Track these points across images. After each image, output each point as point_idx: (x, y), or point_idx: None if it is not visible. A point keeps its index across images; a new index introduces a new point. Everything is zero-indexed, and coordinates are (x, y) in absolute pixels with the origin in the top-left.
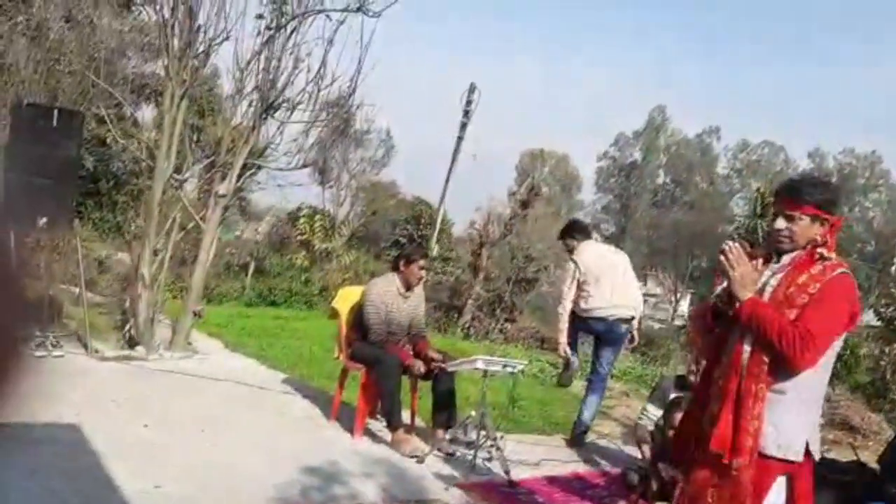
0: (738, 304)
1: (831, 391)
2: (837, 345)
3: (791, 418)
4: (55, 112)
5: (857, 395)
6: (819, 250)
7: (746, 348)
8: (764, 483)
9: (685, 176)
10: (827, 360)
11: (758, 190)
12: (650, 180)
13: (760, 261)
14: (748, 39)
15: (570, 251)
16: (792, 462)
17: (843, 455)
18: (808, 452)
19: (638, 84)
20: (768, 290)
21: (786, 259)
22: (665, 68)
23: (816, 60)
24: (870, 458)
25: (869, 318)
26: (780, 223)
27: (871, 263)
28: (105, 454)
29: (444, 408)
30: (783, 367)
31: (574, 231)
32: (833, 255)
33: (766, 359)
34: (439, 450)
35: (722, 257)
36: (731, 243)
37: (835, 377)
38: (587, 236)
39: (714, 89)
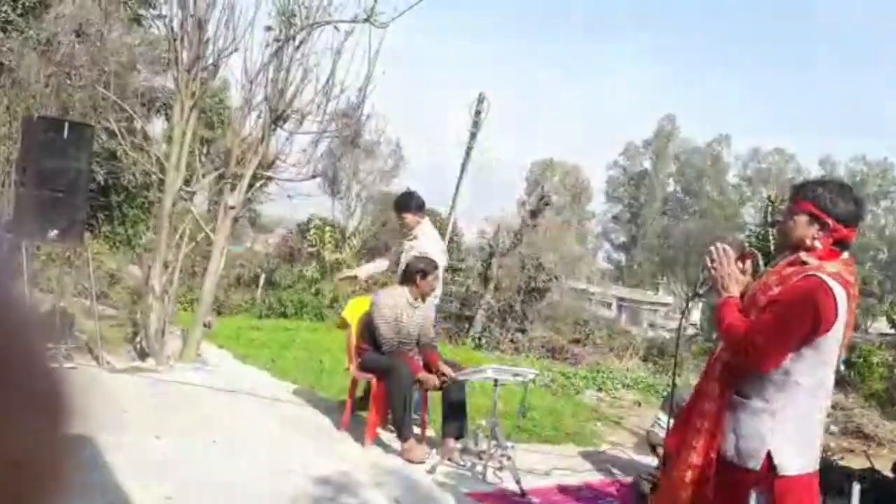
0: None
1: (843, 399)
2: (825, 355)
3: (752, 426)
4: (66, 125)
5: (870, 403)
6: (802, 254)
7: (717, 350)
8: (734, 492)
9: (695, 185)
10: (806, 369)
11: (768, 198)
12: (660, 189)
13: (749, 262)
14: (758, 45)
15: (409, 228)
16: (753, 471)
17: (857, 463)
18: (773, 465)
19: (647, 92)
20: (749, 289)
21: (778, 259)
22: (675, 76)
23: (829, 66)
24: (884, 465)
25: (882, 325)
26: (783, 216)
27: (884, 271)
28: (117, 467)
29: (455, 418)
30: (747, 372)
31: (412, 204)
32: (815, 260)
33: (723, 360)
34: (450, 459)
35: (707, 258)
36: (721, 245)
37: (848, 385)
38: (423, 214)
39: (724, 97)
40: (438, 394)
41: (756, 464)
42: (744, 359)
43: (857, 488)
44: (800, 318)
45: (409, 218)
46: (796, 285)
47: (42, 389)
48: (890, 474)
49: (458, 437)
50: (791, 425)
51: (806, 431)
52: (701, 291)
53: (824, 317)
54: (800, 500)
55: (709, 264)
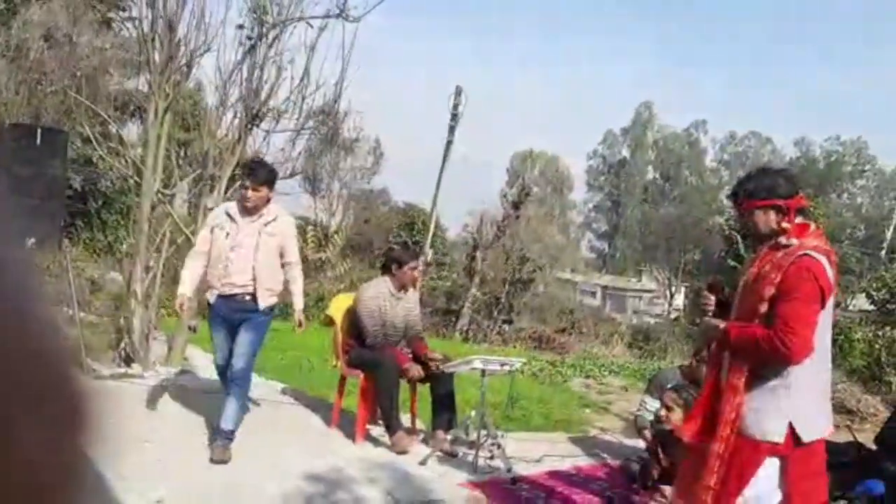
0: (719, 338)
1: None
2: (823, 324)
3: (771, 402)
4: (38, 131)
5: (852, 379)
6: (779, 239)
7: (727, 354)
8: (752, 464)
9: (674, 171)
10: (814, 340)
11: None
12: (640, 177)
13: (713, 299)
14: (730, 31)
15: (256, 206)
16: (775, 444)
17: (840, 438)
18: (796, 435)
19: (625, 80)
20: (741, 283)
21: (759, 251)
22: (652, 63)
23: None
24: (867, 439)
25: (861, 302)
26: (742, 220)
27: (861, 248)
28: (107, 473)
29: (444, 410)
30: (781, 364)
31: (261, 174)
32: (794, 240)
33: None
34: (441, 451)
35: (699, 308)
36: (703, 294)
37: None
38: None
39: (701, 82)
40: (427, 387)
41: (780, 437)
42: (784, 355)
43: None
44: (812, 296)
45: (262, 193)
46: (795, 267)
47: (76, 410)
48: (873, 446)
49: (448, 428)
50: (806, 395)
51: (818, 397)
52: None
53: (826, 288)
54: (809, 461)
55: (704, 309)
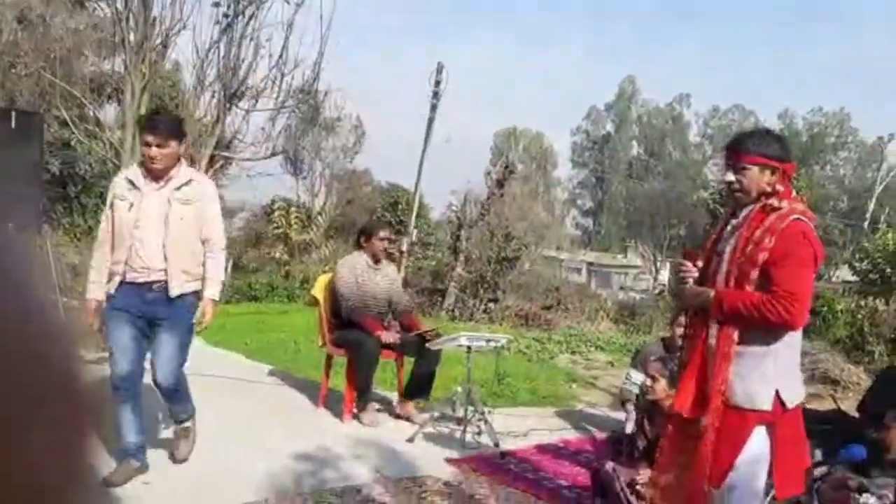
0: (705, 305)
1: (809, 346)
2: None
3: (758, 369)
4: (13, 115)
5: (836, 349)
6: (770, 201)
7: (713, 324)
8: (742, 434)
9: (658, 146)
10: None
11: None
12: (624, 152)
13: (700, 263)
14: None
15: (165, 165)
16: (763, 411)
17: (824, 407)
18: (782, 401)
19: (608, 55)
20: (728, 249)
21: (743, 213)
22: (635, 37)
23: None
24: (850, 407)
25: (844, 273)
26: (730, 176)
27: (844, 220)
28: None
29: (420, 382)
30: (779, 332)
31: (160, 126)
32: (785, 202)
33: (737, 326)
34: (408, 419)
35: (675, 274)
36: (678, 262)
37: (813, 332)
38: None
39: (683, 56)
40: (410, 363)
41: (768, 404)
42: (786, 321)
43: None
44: (808, 260)
45: (169, 150)
46: (790, 231)
47: (79, 411)
48: (855, 414)
49: (418, 401)
50: (789, 361)
51: (796, 364)
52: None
53: (819, 253)
54: (795, 426)
55: (679, 277)
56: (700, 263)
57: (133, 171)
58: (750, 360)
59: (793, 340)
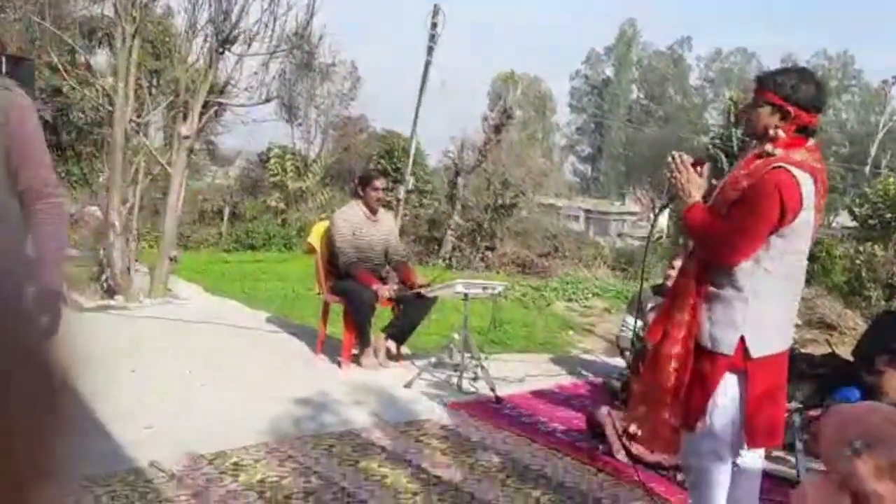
0: (683, 204)
1: (806, 291)
2: (793, 243)
3: (726, 314)
4: (2, 60)
5: (833, 295)
6: (766, 147)
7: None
8: (710, 376)
9: (658, 90)
10: (775, 256)
11: (730, 98)
12: (624, 97)
13: (706, 167)
14: None
15: None
16: (726, 356)
17: (820, 351)
18: (746, 349)
19: None
20: (718, 185)
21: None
22: None
23: None
24: (845, 352)
25: (844, 219)
26: (748, 108)
27: (845, 165)
28: (92, 399)
29: (401, 327)
30: (719, 265)
31: None
32: (780, 150)
33: (698, 256)
34: (389, 357)
35: (666, 170)
36: (677, 154)
37: (811, 278)
38: None
39: None
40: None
41: (729, 349)
42: (717, 254)
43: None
44: (767, 209)
45: None
46: (763, 177)
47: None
48: (850, 358)
49: (397, 340)
50: (763, 310)
51: (777, 316)
52: (665, 201)
53: (790, 206)
54: (768, 377)
55: (669, 174)
56: (701, 171)
57: None
58: (720, 303)
59: (777, 290)
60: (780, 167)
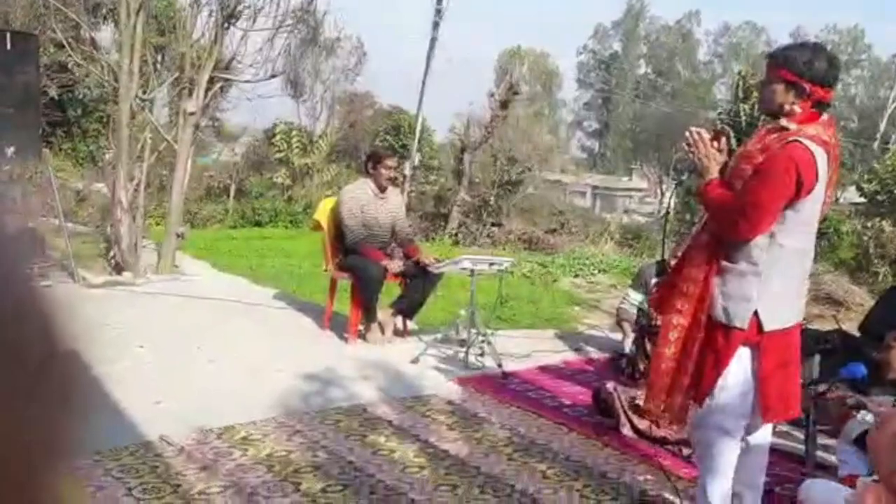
0: (702, 179)
1: (813, 267)
2: (806, 217)
3: (741, 288)
4: (8, 36)
5: (840, 271)
6: (781, 121)
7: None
8: (723, 350)
9: (666, 65)
10: (789, 230)
11: (739, 73)
12: (631, 72)
13: (724, 140)
14: None
15: None
16: (740, 329)
17: (826, 327)
18: (759, 322)
19: None
20: (733, 161)
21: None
22: None
23: None
24: (851, 328)
25: (851, 195)
26: (761, 86)
27: (854, 140)
28: (101, 375)
29: (410, 303)
30: (729, 239)
31: None
32: (794, 125)
33: (711, 230)
34: (395, 333)
35: (685, 145)
36: (695, 129)
37: (818, 254)
38: None
39: None
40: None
41: (744, 323)
42: (734, 229)
43: (817, 359)
44: (783, 183)
45: None
46: (778, 152)
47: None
48: (857, 334)
49: (405, 315)
50: (776, 285)
51: (789, 290)
52: (683, 178)
53: (806, 179)
54: (782, 351)
55: (687, 149)
56: (720, 146)
57: None
58: (734, 277)
59: (789, 264)
60: (795, 141)
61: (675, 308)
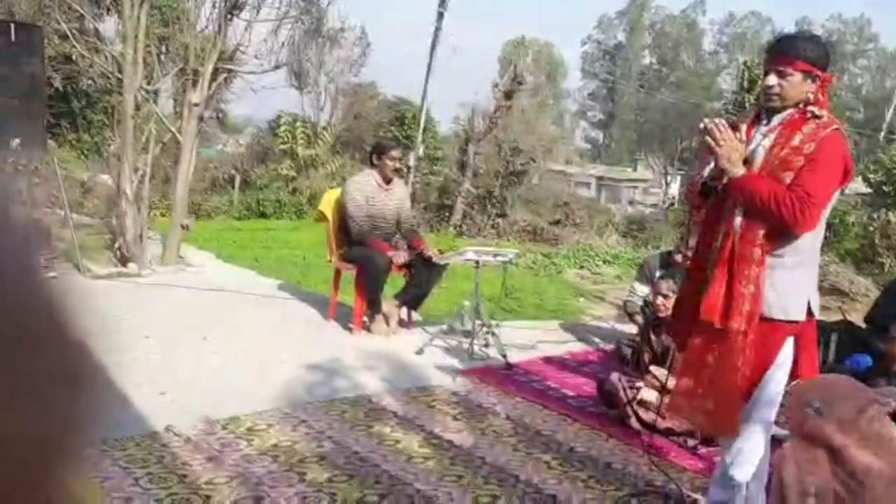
0: (728, 180)
1: (820, 258)
2: (831, 203)
3: (792, 281)
4: (12, 27)
5: (846, 262)
6: (810, 108)
7: (738, 218)
8: (774, 345)
9: (671, 55)
10: (823, 218)
11: (744, 63)
12: (636, 62)
13: (744, 128)
14: None
15: None
16: (797, 322)
17: (832, 318)
18: (810, 311)
19: None
20: (760, 151)
21: (776, 119)
22: None
23: None
24: (857, 319)
25: (857, 185)
26: (772, 80)
27: (859, 130)
28: (108, 366)
29: (415, 294)
30: (784, 233)
31: None
32: (825, 112)
33: (761, 225)
34: (387, 323)
35: (707, 137)
36: (714, 119)
37: (824, 245)
38: None
39: None
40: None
41: (800, 315)
42: (795, 222)
43: (834, 336)
44: (836, 174)
45: None
46: (827, 139)
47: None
48: (863, 325)
49: (410, 307)
50: (814, 272)
51: (817, 277)
52: (708, 174)
53: (850, 167)
54: (812, 332)
55: (711, 143)
56: (740, 134)
57: None
58: (783, 271)
59: (816, 251)
60: (837, 129)
61: (738, 312)
